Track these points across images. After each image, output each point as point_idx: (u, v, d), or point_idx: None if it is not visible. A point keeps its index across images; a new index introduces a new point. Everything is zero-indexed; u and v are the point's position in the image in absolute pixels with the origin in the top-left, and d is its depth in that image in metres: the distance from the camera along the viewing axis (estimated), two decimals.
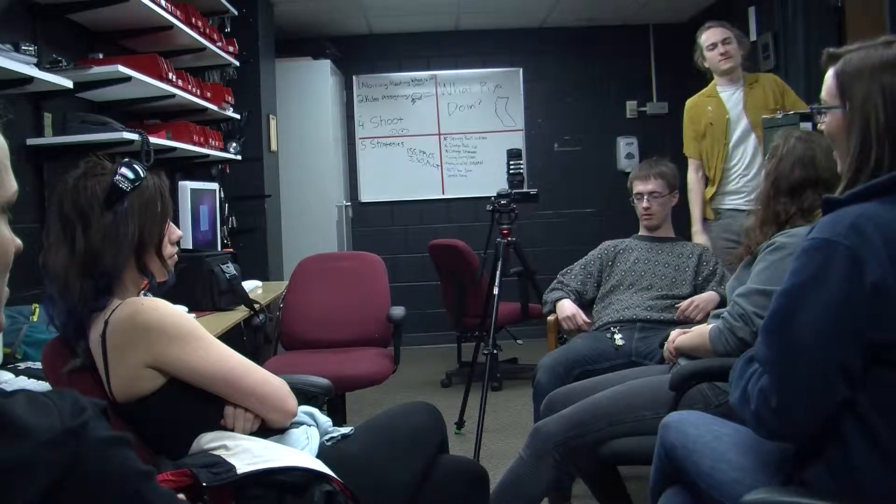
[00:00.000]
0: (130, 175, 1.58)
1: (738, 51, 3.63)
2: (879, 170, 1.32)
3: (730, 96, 3.68)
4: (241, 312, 3.08)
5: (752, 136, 3.60)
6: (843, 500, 1.27)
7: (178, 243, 1.75)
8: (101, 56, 2.97)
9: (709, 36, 3.67)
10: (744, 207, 3.56)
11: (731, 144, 3.64)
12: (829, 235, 1.26)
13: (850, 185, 1.35)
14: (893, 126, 1.32)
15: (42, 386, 2.00)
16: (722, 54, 3.62)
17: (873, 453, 1.24)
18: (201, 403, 1.59)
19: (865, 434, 1.25)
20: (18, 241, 0.91)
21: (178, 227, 1.78)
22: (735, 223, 3.55)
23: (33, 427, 0.81)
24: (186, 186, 3.49)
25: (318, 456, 1.64)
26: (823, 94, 1.45)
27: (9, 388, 1.76)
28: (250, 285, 3.63)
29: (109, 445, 0.87)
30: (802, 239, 1.34)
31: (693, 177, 3.75)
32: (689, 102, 3.86)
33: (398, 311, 3.44)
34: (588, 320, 3.00)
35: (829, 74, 1.43)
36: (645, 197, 3.03)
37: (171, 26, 3.30)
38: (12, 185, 0.90)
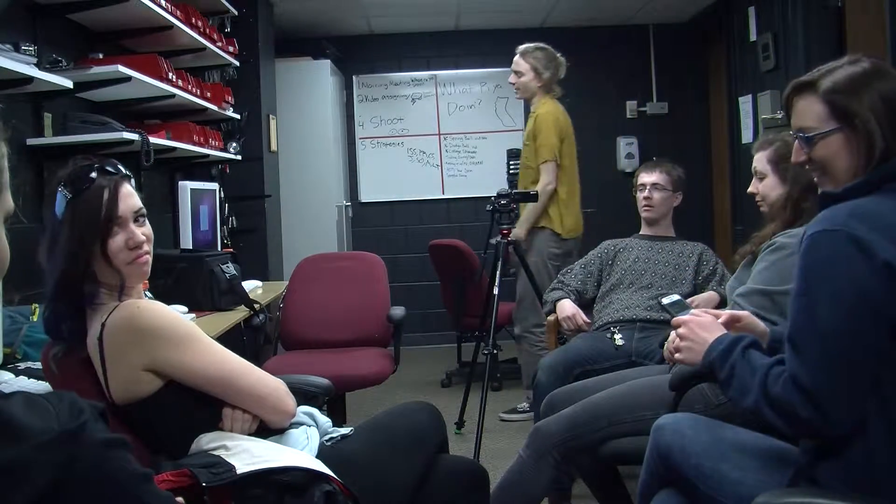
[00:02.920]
0: (74, 181, 1.57)
1: (528, 81, 3.95)
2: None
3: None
4: (241, 312, 3.08)
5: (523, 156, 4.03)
6: (855, 498, 1.27)
7: (141, 246, 1.62)
8: (101, 56, 2.97)
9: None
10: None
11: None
12: (828, 226, 1.29)
13: None
14: (894, 126, 1.36)
15: (42, 386, 2.00)
16: (512, 82, 4.04)
17: (891, 445, 1.25)
18: (200, 405, 1.59)
19: (886, 422, 1.26)
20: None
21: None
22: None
23: (31, 428, 0.81)
24: (186, 186, 3.49)
25: (318, 456, 1.64)
26: (811, 121, 1.43)
27: (8, 389, 1.75)
28: (250, 285, 3.63)
29: (107, 447, 0.87)
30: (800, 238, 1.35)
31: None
32: None
33: (398, 311, 3.44)
34: (588, 320, 3.00)
35: (812, 100, 1.42)
36: (647, 187, 3.03)
37: (171, 26, 3.30)
38: (9, 202, 0.92)
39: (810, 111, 1.43)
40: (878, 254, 1.23)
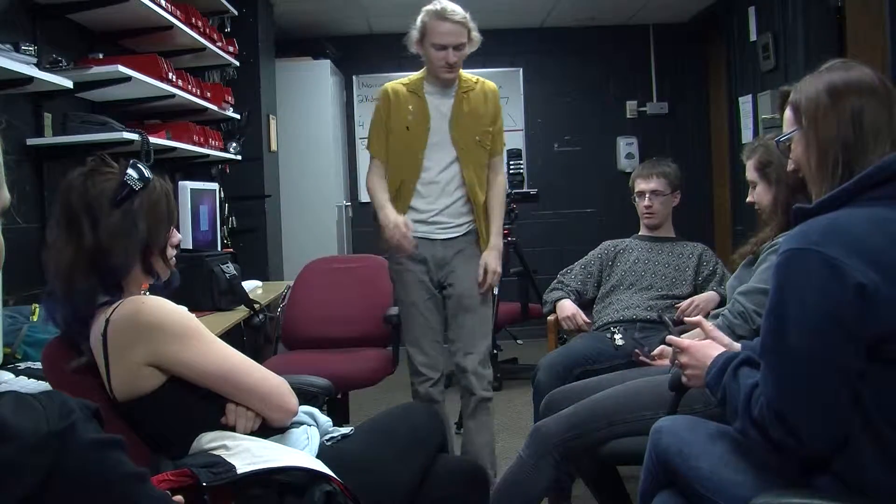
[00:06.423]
0: (138, 175, 1.60)
1: (463, 56, 2.96)
2: (849, 176, 1.37)
3: (438, 100, 2.98)
4: (241, 312, 3.08)
5: (454, 153, 2.90)
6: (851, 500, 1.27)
7: (177, 246, 1.76)
8: (101, 56, 2.97)
9: (442, 32, 2.84)
10: (434, 236, 2.89)
11: (425, 158, 2.89)
12: (801, 245, 1.28)
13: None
14: (847, 136, 1.38)
15: (42, 386, 2.00)
16: (449, 63, 2.90)
17: (881, 458, 1.24)
18: (202, 402, 1.60)
19: (873, 437, 1.25)
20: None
21: (178, 228, 1.78)
22: (424, 255, 2.89)
23: (19, 429, 0.81)
24: (186, 186, 3.49)
25: (318, 456, 1.64)
26: (786, 127, 1.53)
27: (8, 389, 1.75)
28: (250, 285, 3.63)
29: (98, 447, 0.87)
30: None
31: (374, 179, 2.94)
32: (387, 88, 2.98)
33: (396, 311, 3.43)
34: (588, 320, 3.00)
35: (788, 108, 1.52)
36: (647, 195, 3.03)
37: (171, 26, 3.30)
38: (5, 195, 0.91)
39: (787, 118, 1.52)
40: (850, 275, 1.21)
